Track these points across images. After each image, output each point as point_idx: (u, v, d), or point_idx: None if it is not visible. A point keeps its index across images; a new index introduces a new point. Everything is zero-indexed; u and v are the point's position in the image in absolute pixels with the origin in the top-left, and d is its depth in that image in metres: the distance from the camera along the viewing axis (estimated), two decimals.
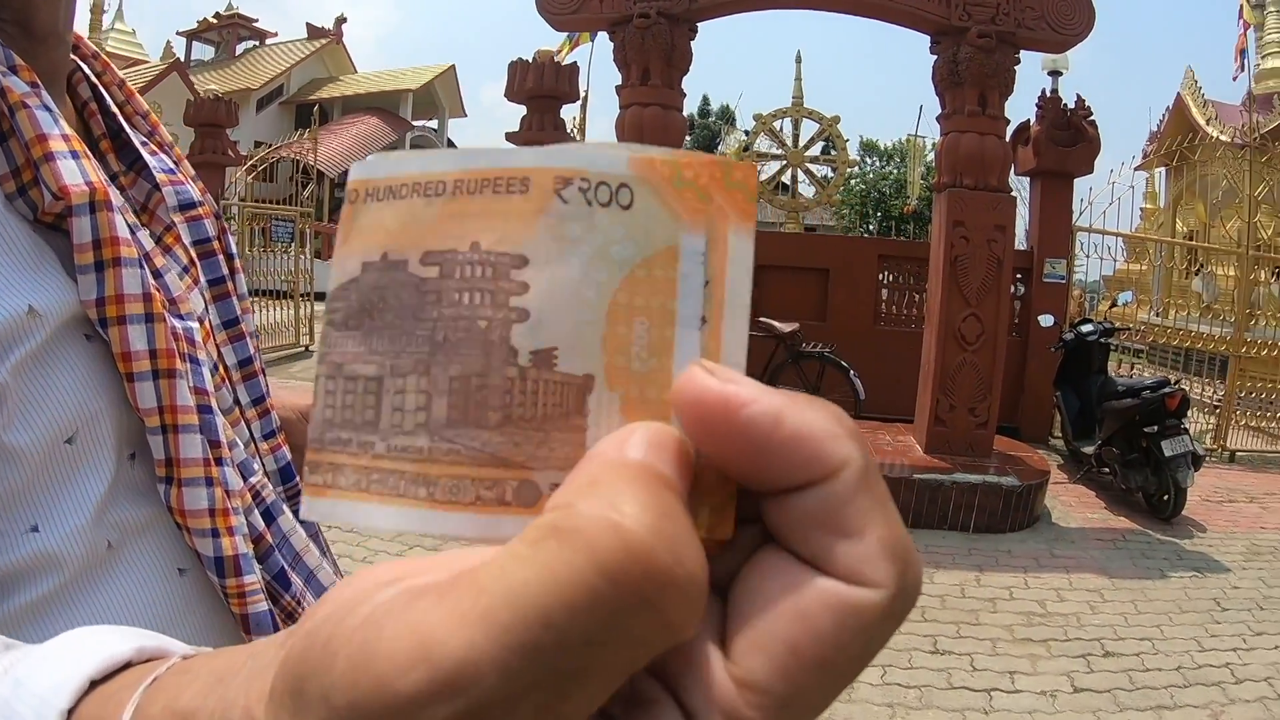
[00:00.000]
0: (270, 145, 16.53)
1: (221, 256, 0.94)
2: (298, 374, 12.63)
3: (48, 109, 0.74)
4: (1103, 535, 7.16)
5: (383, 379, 0.33)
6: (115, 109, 0.89)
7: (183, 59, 35.29)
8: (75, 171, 0.72)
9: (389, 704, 0.24)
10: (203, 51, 40.12)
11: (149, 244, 0.82)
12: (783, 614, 0.27)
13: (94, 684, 0.38)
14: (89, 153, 0.76)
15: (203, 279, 0.90)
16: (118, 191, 0.80)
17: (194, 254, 0.90)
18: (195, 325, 0.83)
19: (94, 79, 0.89)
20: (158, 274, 0.80)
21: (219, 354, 0.90)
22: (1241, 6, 17.99)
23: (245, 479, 0.88)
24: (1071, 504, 7.98)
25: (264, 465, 0.94)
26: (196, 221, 0.92)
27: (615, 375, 0.31)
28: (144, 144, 0.90)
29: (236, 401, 0.92)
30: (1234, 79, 18.99)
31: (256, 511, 0.88)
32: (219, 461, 0.81)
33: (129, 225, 0.77)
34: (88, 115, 0.87)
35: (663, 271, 0.32)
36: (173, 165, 0.93)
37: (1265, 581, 6.21)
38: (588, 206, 0.31)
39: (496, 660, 0.24)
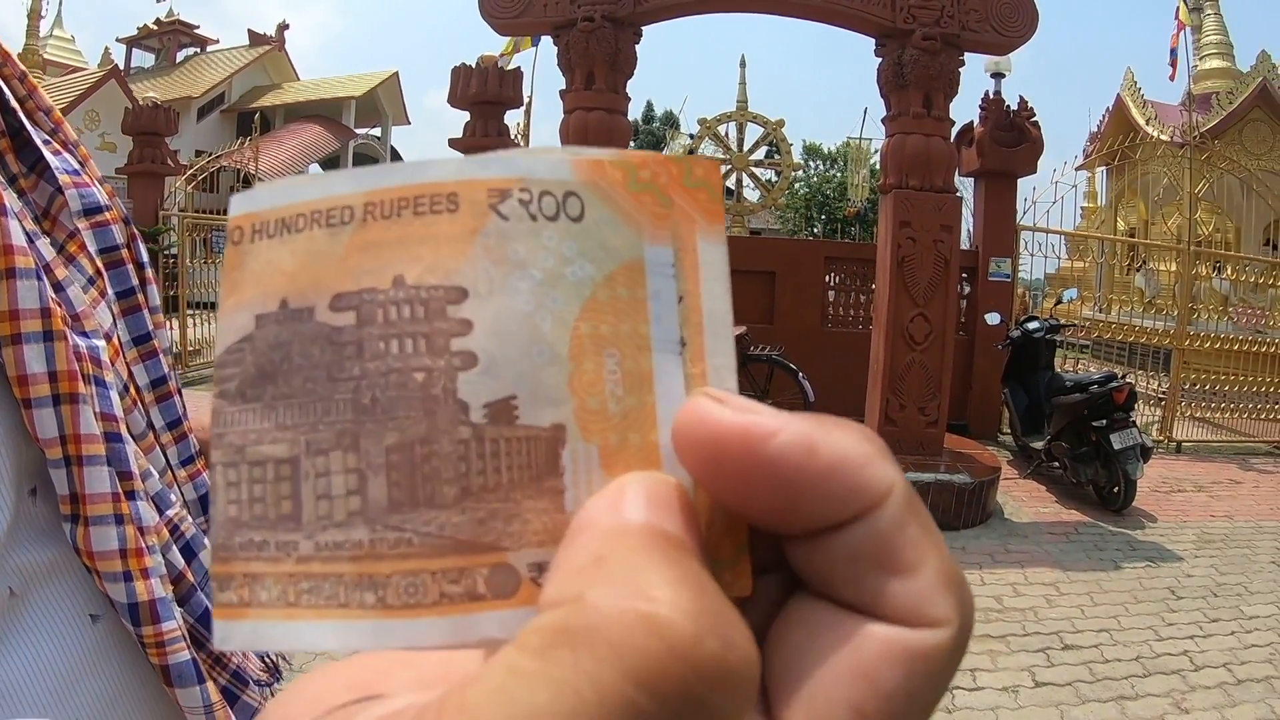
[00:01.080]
0: (211, 154, 16.31)
1: (131, 266, 0.86)
2: None
3: None
4: (1055, 529, 7.22)
5: (299, 459, 0.26)
6: (15, 105, 0.80)
7: (122, 66, 34.77)
8: None
9: None
10: (143, 59, 39.61)
11: (49, 253, 0.74)
12: (840, 675, 0.23)
13: None
14: (13, 155, 0.70)
15: (110, 291, 0.82)
16: (15, 195, 0.72)
17: (100, 264, 0.81)
18: (101, 344, 0.75)
19: None
20: (59, 286, 0.72)
21: (129, 374, 0.82)
22: (1178, 8, 18.29)
23: (162, 512, 0.80)
24: (1023, 499, 8.05)
25: (182, 494, 0.86)
26: (103, 228, 0.83)
27: (589, 421, 0.26)
28: (46, 143, 0.82)
29: (150, 425, 0.84)
30: (1170, 79, 19.31)
31: (175, 548, 0.80)
32: (130, 495, 0.73)
33: (26, 233, 0.68)
34: None
35: (628, 291, 0.27)
36: (77, 166, 0.85)
37: (1218, 569, 6.30)
38: (532, 221, 0.27)
39: None
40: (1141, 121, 19.88)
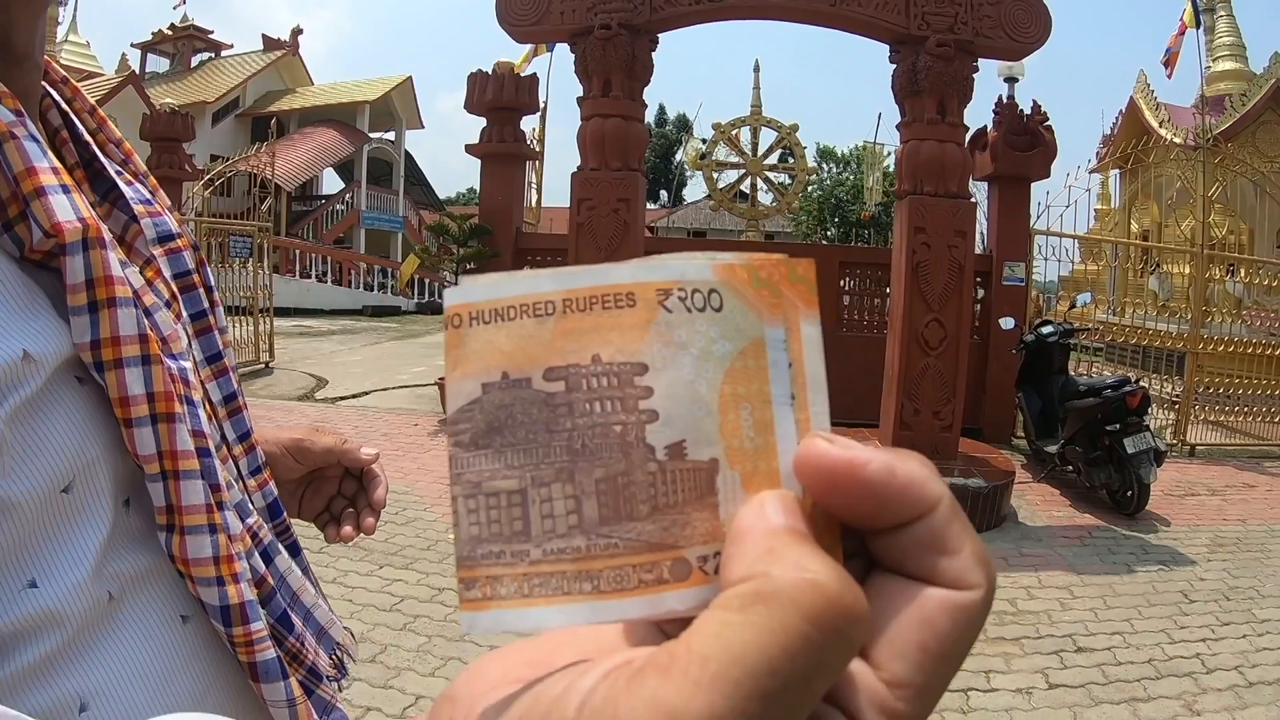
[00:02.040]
0: (227, 159, 16.37)
1: (201, 290, 0.90)
2: (259, 391, 12.55)
3: (34, 139, 0.70)
4: (1069, 533, 7.26)
5: (526, 490, 0.35)
6: (88, 137, 0.84)
7: (137, 71, 34.87)
8: (67, 207, 0.68)
9: None
10: (157, 64, 39.72)
11: (138, 282, 0.77)
12: (910, 622, 0.33)
13: None
14: (77, 186, 0.73)
15: (184, 314, 0.86)
16: (104, 227, 0.75)
17: (175, 288, 0.86)
18: (189, 364, 0.80)
19: (64, 105, 0.85)
20: (148, 312, 0.76)
21: (204, 391, 0.86)
22: (1185, 11, 18.23)
23: (243, 520, 0.86)
24: (1037, 503, 8.09)
25: (252, 502, 0.91)
26: (176, 254, 0.88)
27: (734, 456, 0.35)
28: (119, 173, 0.86)
29: (224, 439, 0.89)
30: (1168, 77, 19.21)
31: (256, 554, 0.86)
32: (220, 506, 0.78)
33: (119, 261, 0.73)
34: (59, 143, 0.81)
35: (755, 361, 0.36)
36: (149, 195, 0.89)
37: (1230, 573, 6.33)
38: (688, 313, 0.35)
39: (738, 712, 0.28)
40: (1155, 124, 19.86)
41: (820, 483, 0.34)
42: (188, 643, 0.77)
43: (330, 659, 0.98)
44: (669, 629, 0.36)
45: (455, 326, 0.37)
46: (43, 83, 0.81)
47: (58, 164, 0.71)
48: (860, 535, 0.36)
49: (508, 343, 0.36)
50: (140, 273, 0.80)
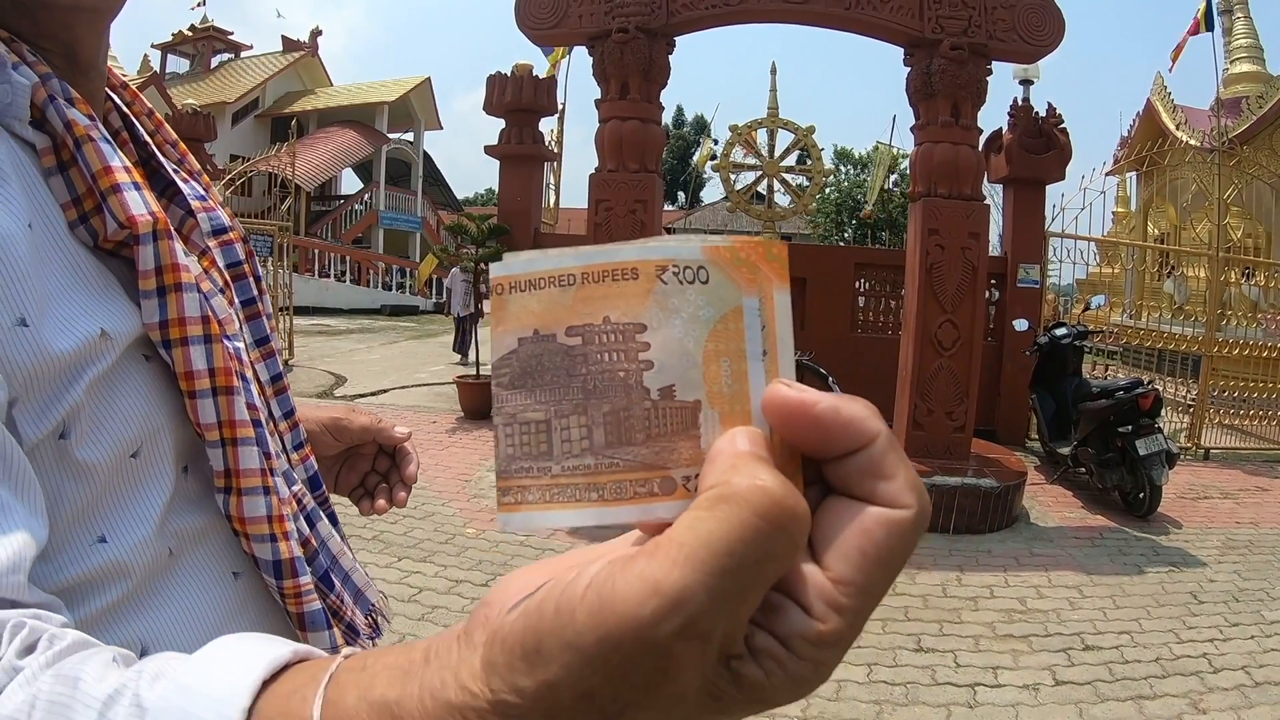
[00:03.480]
0: (246, 159, 16.45)
1: (251, 279, 0.98)
2: None
3: (107, 140, 0.78)
4: (1080, 534, 7.29)
5: (550, 420, 0.45)
6: (146, 138, 0.92)
7: (158, 72, 35.01)
8: (139, 203, 0.76)
9: (634, 628, 0.36)
10: (178, 65, 39.82)
11: (197, 269, 0.85)
12: (853, 532, 0.41)
13: (264, 685, 0.45)
14: (145, 183, 0.80)
15: (236, 300, 0.94)
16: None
17: (228, 276, 0.94)
18: (242, 345, 0.88)
19: (124, 108, 0.92)
20: (206, 297, 0.83)
21: (253, 370, 0.94)
22: (1199, 9, 18.12)
23: (289, 487, 0.93)
24: (1049, 504, 8.11)
25: (296, 474, 0.99)
26: (228, 246, 0.96)
27: (714, 398, 0.43)
28: (175, 171, 0.93)
29: (270, 415, 0.97)
30: (1169, 70, 19.08)
31: (301, 518, 0.94)
32: (271, 472, 0.86)
33: (183, 252, 0.80)
34: (120, 144, 0.89)
35: (734, 325, 0.44)
36: (203, 192, 0.96)
37: (1240, 575, 6.35)
38: (680, 285, 0.44)
39: (704, 584, 0.37)
40: (1171, 126, 19.78)
41: (781, 418, 0.43)
42: (238, 596, 0.85)
43: (366, 619, 1.06)
44: None
45: (499, 294, 0.46)
46: (104, 88, 0.89)
47: (128, 163, 0.79)
48: (818, 466, 0.44)
49: (538, 306, 0.45)
50: (197, 262, 0.88)
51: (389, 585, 5.56)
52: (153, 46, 39.64)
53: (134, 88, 0.97)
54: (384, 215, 37.85)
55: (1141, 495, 7.56)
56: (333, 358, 16.79)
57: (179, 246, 0.80)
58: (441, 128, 43.05)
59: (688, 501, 0.41)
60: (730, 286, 0.44)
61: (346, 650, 0.47)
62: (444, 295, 18.42)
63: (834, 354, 9.69)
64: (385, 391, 13.06)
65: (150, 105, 0.98)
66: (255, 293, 0.99)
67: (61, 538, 0.69)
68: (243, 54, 40.64)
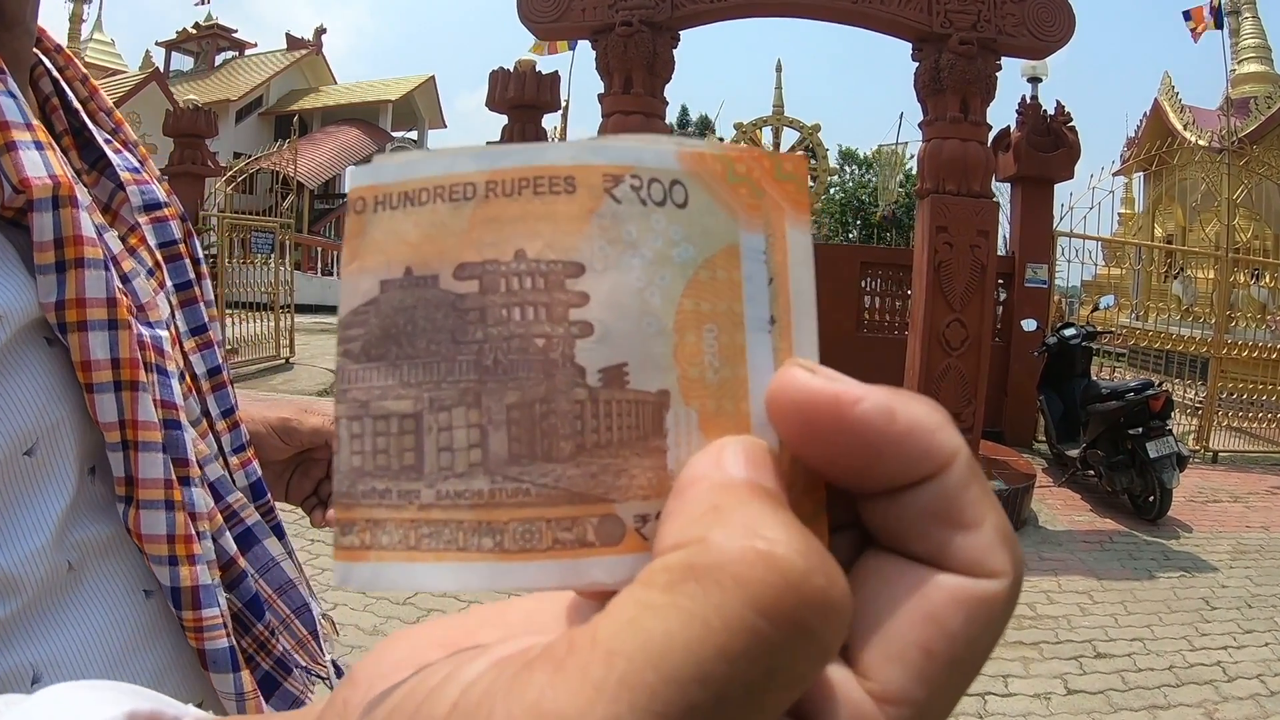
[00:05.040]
0: (249, 156, 16.45)
1: (188, 260, 0.89)
2: (279, 386, 12.58)
3: (12, 96, 0.68)
4: (1090, 537, 7.19)
5: (421, 414, 0.28)
6: (78, 105, 0.84)
7: (162, 69, 35.09)
8: (38, 163, 0.67)
9: None
10: (182, 63, 39.94)
11: (117, 246, 0.77)
12: (912, 618, 0.26)
13: None
14: (54, 144, 0.71)
15: (169, 283, 0.85)
16: (83, 189, 0.75)
17: (159, 257, 0.85)
18: (165, 334, 0.78)
19: (55, 73, 0.84)
20: (126, 278, 0.75)
21: (186, 362, 0.85)
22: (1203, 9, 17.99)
23: (222, 497, 0.84)
24: (1058, 507, 8.02)
25: (233, 481, 0.89)
26: (162, 223, 0.87)
27: (690, 388, 0.29)
28: (108, 141, 0.86)
29: (205, 413, 0.87)
30: (1195, 39, 18.87)
31: (229, 534, 0.83)
32: (185, 482, 0.76)
33: (96, 226, 0.72)
34: (49, 110, 0.81)
35: (725, 273, 0.29)
36: (138, 164, 0.88)
37: (1253, 580, 6.26)
38: (642, 206, 0.29)
39: None
40: (1179, 126, 19.70)
41: (797, 423, 0.27)
42: (149, 618, 0.75)
43: (306, 634, 0.95)
44: None
45: (358, 212, 0.30)
46: (35, 50, 0.81)
47: (35, 122, 0.70)
48: (851, 503, 0.29)
49: (415, 232, 0.29)
50: (123, 239, 0.80)
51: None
52: (156, 44, 39.87)
53: (68, 52, 0.88)
54: None
55: (1151, 498, 7.46)
56: (333, 356, 16.71)
57: (86, 217, 0.70)
58: (445, 126, 43.17)
59: (639, 557, 0.27)
60: (720, 214, 0.29)
61: (195, 714, 0.35)
62: None
63: (840, 354, 9.49)
64: None
65: (84, 71, 0.88)
66: (192, 276, 0.89)
67: None
68: (246, 52, 40.71)
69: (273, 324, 14.43)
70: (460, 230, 0.29)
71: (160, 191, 0.89)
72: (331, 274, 29.96)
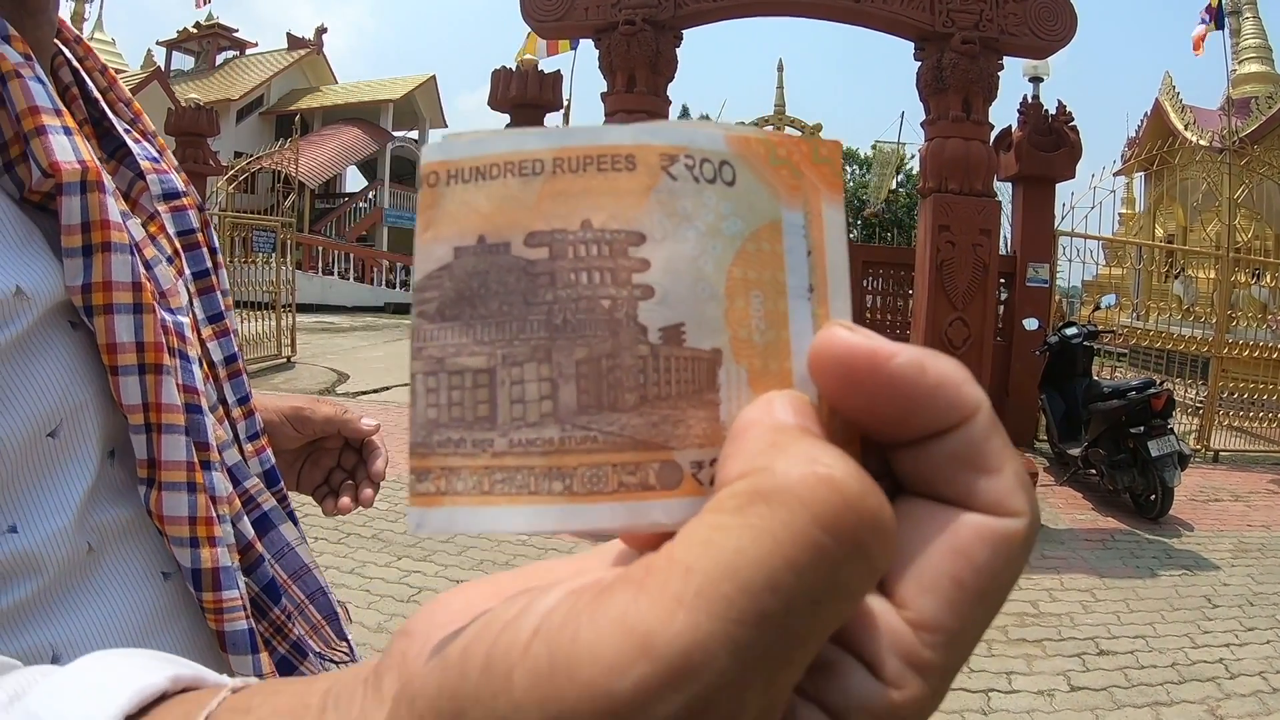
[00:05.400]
0: (251, 156, 16.45)
1: (205, 249, 0.90)
2: (280, 385, 12.60)
3: (41, 81, 0.69)
4: (1092, 536, 7.19)
5: (494, 370, 0.30)
6: (97, 95, 0.85)
7: (163, 69, 35.07)
8: (67, 148, 0.68)
9: (605, 709, 0.23)
10: (183, 62, 39.89)
11: (139, 233, 0.77)
12: (943, 553, 0.28)
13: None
14: (81, 132, 0.72)
15: (187, 271, 0.86)
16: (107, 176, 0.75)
17: (178, 245, 0.86)
18: (186, 319, 0.79)
19: (75, 63, 0.84)
20: (148, 264, 0.76)
21: (204, 349, 0.86)
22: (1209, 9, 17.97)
23: (239, 482, 0.85)
24: (1059, 505, 8.02)
25: (249, 468, 0.90)
26: (181, 212, 0.88)
27: (740, 348, 0.31)
28: (127, 131, 0.86)
29: (222, 399, 0.88)
30: (1197, 53, 18.88)
31: (247, 519, 0.84)
32: (205, 465, 0.76)
33: (120, 212, 0.72)
34: (69, 99, 0.81)
35: (769, 245, 0.32)
36: (156, 154, 0.89)
37: (1254, 578, 6.26)
38: (695, 183, 0.31)
39: (726, 637, 0.23)
40: (1180, 126, 19.69)
41: (838, 377, 0.30)
42: (168, 599, 0.76)
43: (322, 620, 0.96)
44: None
45: (431, 185, 0.32)
46: (55, 41, 0.81)
47: (62, 107, 0.71)
48: (883, 454, 0.31)
49: (487, 204, 0.31)
50: (143, 226, 0.80)
51: (388, 584, 5.50)
52: (157, 44, 39.77)
53: (87, 43, 0.89)
54: (388, 213, 37.83)
55: (1153, 497, 7.46)
56: (335, 355, 16.75)
57: (113, 203, 0.70)
58: (446, 126, 43.10)
59: (696, 500, 0.29)
60: (764, 193, 0.32)
61: (236, 682, 0.36)
62: None
63: None
64: (388, 389, 13.01)
65: (103, 62, 0.89)
66: (209, 265, 0.90)
67: None
68: (247, 51, 40.68)
69: (274, 323, 14.45)
70: (530, 202, 0.31)
71: (179, 181, 0.90)
72: (332, 274, 29.96)
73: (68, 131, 0.69)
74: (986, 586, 0.28)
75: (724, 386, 0.31)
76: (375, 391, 12.79)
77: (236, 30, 40.60)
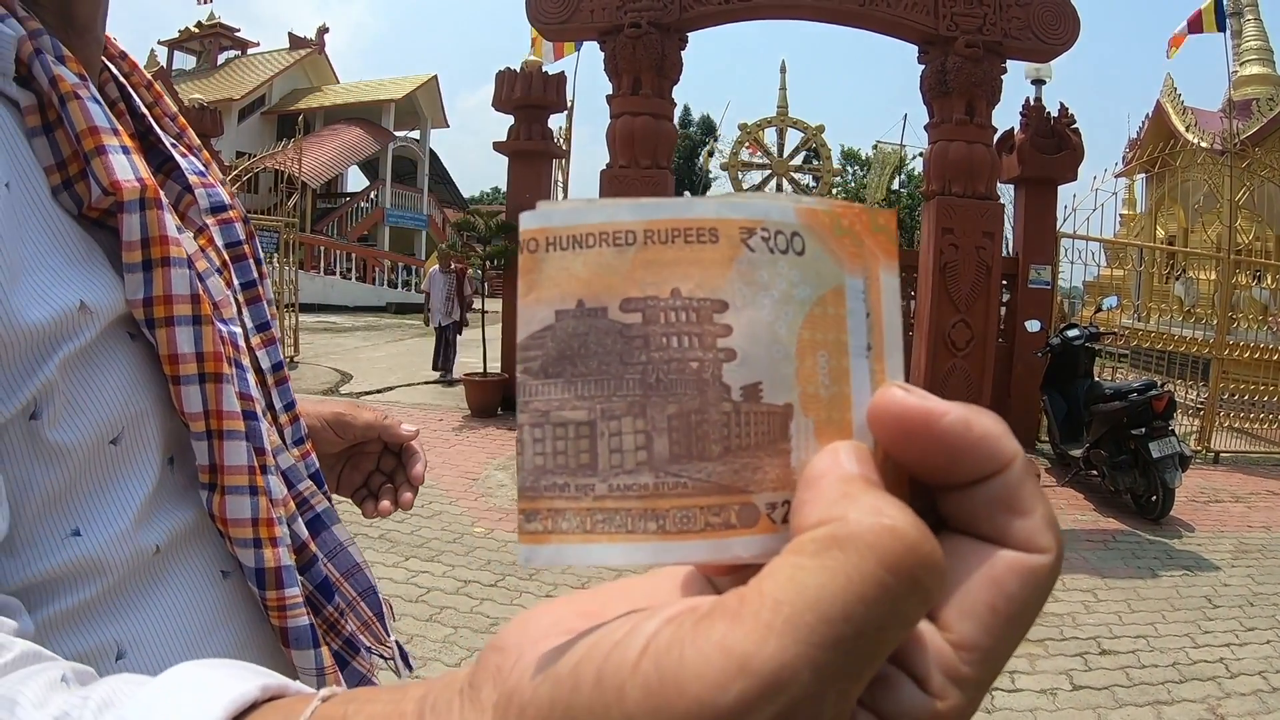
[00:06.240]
0: (253, 155, 16.43)
1: (251, 261, 0.93)
2: None
3: (97, 101, 0.72)
4: (1093, 536, 7.21)
5: (595, 422, 0.34)
6: (144, 110, 0.87)
7: (165, 68, 34.99)
8: (126, 167, 0.70)
9: (710, 718, 0.28)
10: (184, 62, 39.78)
11: (191, 247, 0.80)
12: (981, 584, 0.33)
13: None
14: (142, 155, 0.75)
15: (235, 282, 0.89)
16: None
17: (226, 256, 0.88)
18: (239, 330, 0.82)
19: (121, 79, 0.87)
20: (201, 277, 0.78)
21: (253, 357, 0.89)
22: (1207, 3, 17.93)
23: (293, 485, 0.88)
24: (1061, 506, 8.04)
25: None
26: (228, 224, 0.90)
27: (808, 403, 0.35)
28: (174, 145, 0.88)
29: (270, 406, 0.91)
30: (1168, 56, 18.85)
31: (301, 520, 0.87)
32: (264, 470, 0.79)
33: (175, 226, 0.75)
34: (116, 115, 0.82)
35: (834, 309, 0.35)
36: (203, 168, 0.91)
37: (1254, 579, 6.29)
38: (771, 255, 0.34)
39: (810, 659, 0.28)
40: (1181, 128, 19.67)
41: (895, 431, 0.34)
42: (226, 598, 0.79)
43: (372, 618, 0.99)
44: (724, 587, 0.36)
45: (531, 251, 0.35)
46: (102, 57, 0.84)
47: (119, 126, 0.73)
48: (929, 495, 0.35)
49: (585, 270, 0.35)
50: (194, 239, 0.83)
51: (396, 585, 5.53)
52: (159, 43, 39.64)
53: (133, 58, 0.92)
54: (390, 213, 37.82)
55: (1154, 498, 7.49)
56: (338, 355, 16.77)
57: (170, 218, 0.73)
58: (448, 125, 43.16)
59: (770, 537, 0.33)
60: (829, 261, 0.36)
61: (325, 691, 0.40)
62: (424, 300, 15.80)
63: None
64: (391, 389, 13.04)
65: (149, 77, 0.92)
66: (256, 275, 0.93)
67: (29, 529, 0.64)
68: (249, 51, 40.60)
69: (276, 323, 14.38)
70: (624, 270, 0.34)
71: (225, 194, 0.92)
72: (334, 273, 29.92)
73: (125, 150, 0.72)
74: (1018, 613, 0.33)
75: (794, 436, 0.34)
76: (379, 391, 12.81)
77: (238, 30, 40.52)
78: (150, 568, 0.72)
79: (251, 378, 0.82)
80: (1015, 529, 0.33)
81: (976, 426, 0.33)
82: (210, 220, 0.88)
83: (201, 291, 0.75)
